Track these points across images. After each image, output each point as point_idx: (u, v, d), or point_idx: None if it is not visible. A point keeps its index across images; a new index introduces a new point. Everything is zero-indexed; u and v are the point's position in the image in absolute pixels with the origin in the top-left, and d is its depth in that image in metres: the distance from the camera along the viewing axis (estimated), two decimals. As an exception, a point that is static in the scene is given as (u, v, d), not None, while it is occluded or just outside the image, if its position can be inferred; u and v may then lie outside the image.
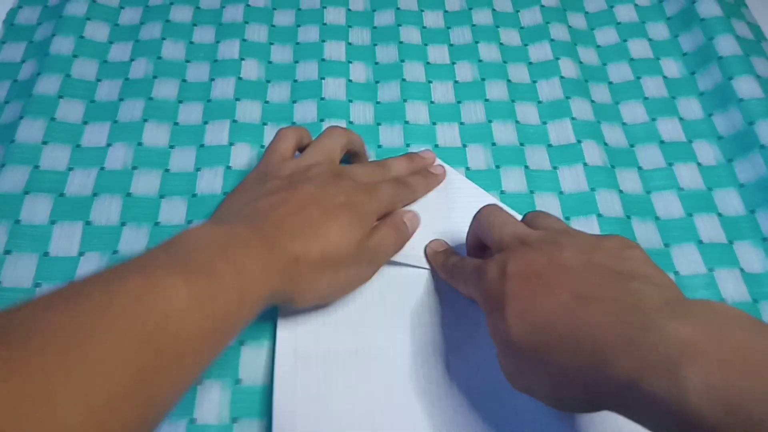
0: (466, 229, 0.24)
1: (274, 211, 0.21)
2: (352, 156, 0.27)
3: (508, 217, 0.21)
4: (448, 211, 0.27)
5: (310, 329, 0.23)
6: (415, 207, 0.27)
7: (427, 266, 0.25)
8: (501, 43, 0.34)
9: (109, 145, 0.29)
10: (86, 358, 0.13)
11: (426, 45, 0.34)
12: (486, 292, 0.19)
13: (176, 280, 0.16)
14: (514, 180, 0.29)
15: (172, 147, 0.29)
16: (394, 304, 0.24)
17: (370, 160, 0.28)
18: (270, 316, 0.24)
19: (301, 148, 0.26)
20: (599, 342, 0.15)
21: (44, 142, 0.28)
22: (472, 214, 0.24)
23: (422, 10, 0.35)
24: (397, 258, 0.25)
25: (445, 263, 0.24)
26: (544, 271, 0.17)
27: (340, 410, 0.22)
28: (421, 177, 0.27)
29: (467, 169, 0.29)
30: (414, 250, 0.26)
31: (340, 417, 0.21)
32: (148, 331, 0.14)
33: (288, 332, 0.23)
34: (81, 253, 0.25)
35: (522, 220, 0.22)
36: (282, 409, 0.21)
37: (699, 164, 0.29)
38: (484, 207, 0.22)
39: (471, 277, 0.20)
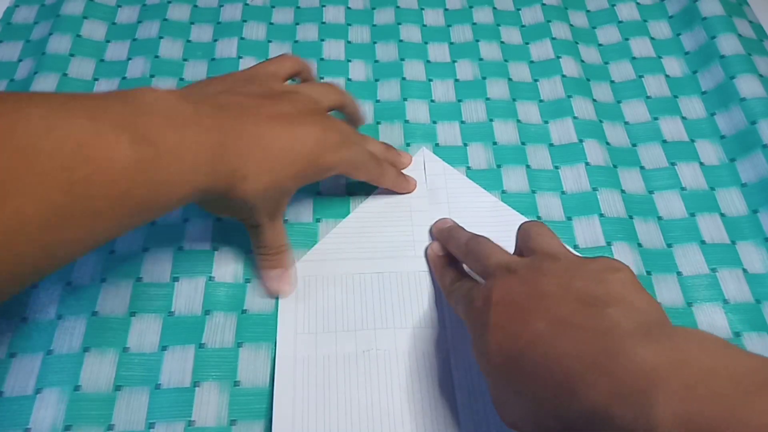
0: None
1: (245, 111, 0.20)
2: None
3: (495, 247, 0.21)
4: (448, 212, 0.27)
5: (309, 335, 0.23)
6: (414, 207, 0.27)
7: (426, 268, 0.25)
8: (502, 42, 0.34)
9: (106, 144, 0.29)
10: (12, 180, 0.13)
11: (426, 43, 0.34)
12: (472, 320, 0.19)
13: (123, 139, 0.15)
14: (515, 179, 0.28)
15: (170, 146, 0.29)
16: (393, 306, 0.24)
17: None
18: (268, 321, 0.24)
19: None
20: (570, 371, 0.15)
21: (41, 142, 0.28)
22: (473, 215, 0.24)
23: (422, 9, 0.35)
24: (396, 258, 0.25)
25: (442, 278, 0.23)
26: (524, 300, 0.17)
27: (340, 414, 0.21)
28: (394, 170, 0.26)
29: (468, 168, 0.29)
30: (414, 250, 0.25)
31: (339, 420, 0.21)
32: (76, 178, 0.14)
33: (288, 337, 0.23)
34: (78, 254, 0.25)
35: (517, 235, 0.21)
36: (282, 413, 0.21)
37: (701, 164, 0.29)
38: (472, 238, 0.22)
39: (461, 302, 0.21)
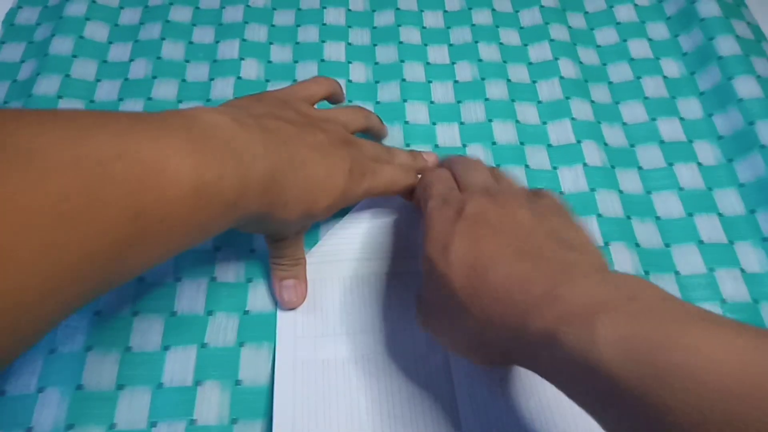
0: None
1: (289, 139, 0.20)
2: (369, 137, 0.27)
3: (481, 166, 0.23)
4: None
5: (308, 340, 0.23)
6: (412, 209, 0.27)
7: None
8: (501, 43, 0.34)
9: (108, 145, 0.29)
10: (83, 209, 0.13)
11: (426, 45, 0.34)
12: (435, 221, 0.19)
13: (187, 164, 0.15)
14: (514, 179, 0.28)
15: (171, 147, 0.29)
16: (393, 309, 0.24)
17: None
18: (270, 320, 0.24)
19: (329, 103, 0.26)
20: (527, 294, 0.16)
21: (43, 142, 0.28)
22: None
23: (422, 11, 0.35)
24: (394, 260, 0.25)
25: (423, 177, 0.24)
26: (497, 221, 0.18)
27: (340, 418, 0.21)
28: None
29: (467, 169, 0.29)
30: (412, 252, 0.26)
31: (340, 425, 0.21)
32: (142, 207, 0.14)
33: (287, 340, 0.23)
34: (80, 253, 0.25)
35: (456, 167, 0.23)
36: (282, 417, 0.21)
37: (699, 164, 0.29)
38: (458, 156, 0.23)
39: (433, 199, 0.21)
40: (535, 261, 0.17)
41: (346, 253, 0.26)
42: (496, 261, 0.17)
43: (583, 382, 0.14)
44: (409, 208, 0.27)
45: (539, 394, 0.22)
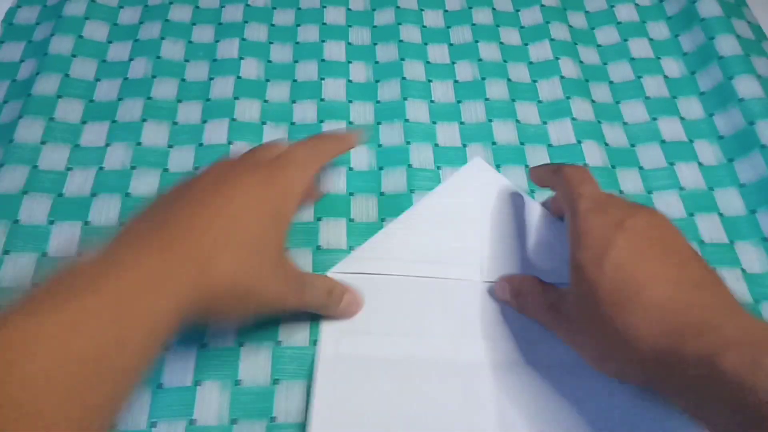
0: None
1: (178, 209, 0.18)
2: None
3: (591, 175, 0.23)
4: (498, 222, 0.26)
5: (352, 334, 0.23)
6: (465, 216, 0.26)
7: (476, 278, 0.25)
8: (501, 43, 0.34)
9: (108, 144, 0.29)
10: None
11: (426, 44, 0.34)
12: (593, 230, 0.19)
13: (36, 326, 0.14)
14: (514, 179, 0.28)
15: (171, 146, 0.29)
16: (439, 315, 0.24)
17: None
18: (271, 321, 0.24)
19: None
20: (687, 318, 0.16)
21: (43, 142, 0.28)
22: (521, 225, 0.25)
23: (422, 9, 0.35)
24: (443, 264, 0.25)
25: (553, 170, 0.23)
26: (663, 241, 0.19)
27: (377, 418, 0.21)
28: (332, 138, 0.25)
29: (467, 168, 0.29)
30: (461, 258, 0.25)
31: (376, 424, 0.21)
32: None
33: (331, 334, 0.23)
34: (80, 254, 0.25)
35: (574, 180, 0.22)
36: (321, 410, 0.21)
37: (700, 164, 0.29)
38: (573, 166, 0.23)
39: (588, 204, 0.20)
40: (696, 289, 0.17)
41: (394, 252, 0.25)
42: (657, 282, 0.17)
43: (732, 406, 0.15)
44: (464, 214, 0.26)
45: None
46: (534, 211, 0.27)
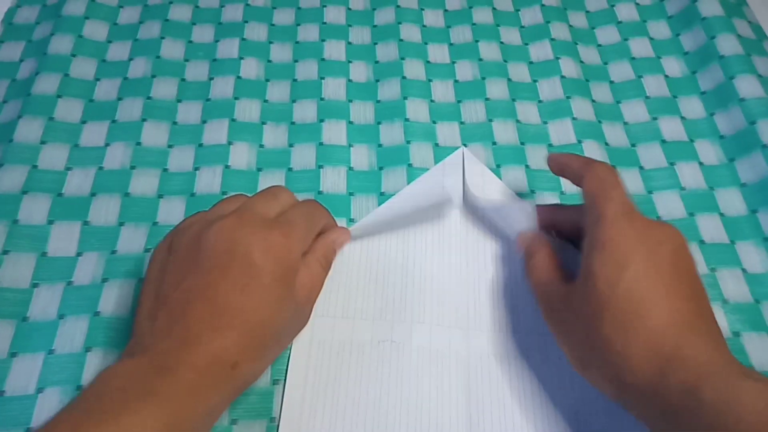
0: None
1: (179, 299, 0.18)
2: None
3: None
4: (482, 216, 0.26)
5: (327, 318, 0.24)
6: (447, 207, 0.26)
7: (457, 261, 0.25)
8: (501, 42, 0.34)
9: (107, 144, 0.29)
10: None
11: (426, 44, 0.34)
12: (618, 238, 0.19)
13: None
14: (514, 179, 0.28)
15: (170, 146, 0.29)
16: (414, 299, 0.24)
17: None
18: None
19: None
20: (678, 353, 0.17)
21: (42, 142, 0.28)
22: (506, 220, 0.25)
23: (422, 9, 0.35)
24: (422, 252, 0.25)
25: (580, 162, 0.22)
26: (682, 271, 0.19)
27: (348, 401, 0.22)
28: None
29: (468, 168, 0.29)
30: (441, 248, 0.26)
31: (347, 407, 0.22)
32: None
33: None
34: (79, 254, 0.25)
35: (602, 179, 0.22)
36: (293, 395, 0.22)
37: (701, 164, 0.29)
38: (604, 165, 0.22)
39: (613, 204, 0.20)
40: (694, 323, 0.18)
41: (374, 239, 0.26)
42: (662, 309, 0.18)
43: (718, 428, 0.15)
44: (444, 203, 0.26)
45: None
46: (521, 209, 0.27)
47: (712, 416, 0.15)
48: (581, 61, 0.33)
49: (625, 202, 0.20)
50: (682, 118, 0.31)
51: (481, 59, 0.33)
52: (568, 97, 0.31)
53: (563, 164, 0.23)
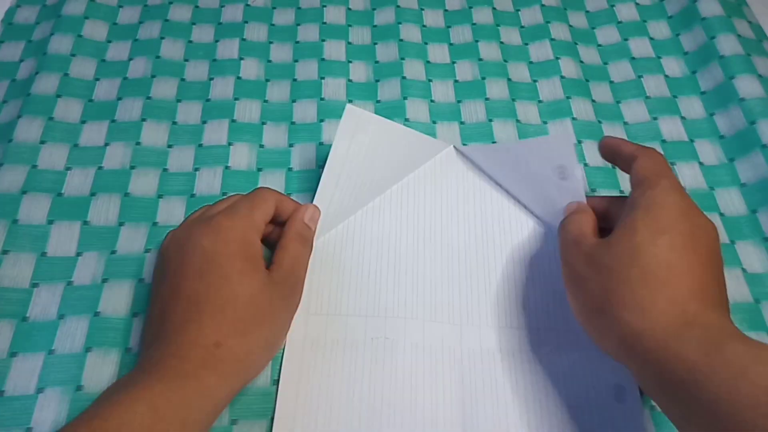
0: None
1: (158, 310, 0.21)
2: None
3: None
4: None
5: (320, 316, 0.24)
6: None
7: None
8: (501, 42, 0.34)
9: (107, 144, 0.29)
10: None
11: (426, 44, 0.34)
12: (667, 210, 0.19)
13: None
14: (514, 179, 0.28)
15: (170, 146, 0.29)
16: (406, 297, 0.24)
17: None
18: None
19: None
20: (695, 328, 0.17)
21: (42, 142, 0.28)
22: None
23: (422, 9, 0.35)
24: (413, 248, 0.25)
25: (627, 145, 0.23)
26: (715, 255, 0.20)
27: (342, 398, 0.22)
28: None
29: (467, 168, 0.29)
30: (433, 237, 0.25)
31: (342, 405, 0.22)
32: None
33: (299, 318, 0.23)
34: (79, 253, 0.25)
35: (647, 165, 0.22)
36: (287, 391, 0.22)
37: (701, 163, 0.29)
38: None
39: (666, 180, 0.20)
40: (714, 305, 0.18)
41: (366, 234, 0.26)
42: (693, 279, 0.18)
43: (714, 412, 0.16)
44: (443, 196, 0.27)
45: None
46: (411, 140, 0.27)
47: (728, 378, 0.15)
48: (581, 61, 0.33)
49: (678, 183, 0.21)
50: (682, 118, 0.31)
51: (481, 59, 0.33)
52: (568, 97, 0.31)
53: (615, 147, 0.24)
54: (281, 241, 0.23)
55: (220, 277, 0.20)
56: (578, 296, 0.21)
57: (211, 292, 0.20)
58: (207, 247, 0.20)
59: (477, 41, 0.34)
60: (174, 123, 0.30)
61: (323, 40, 0.33)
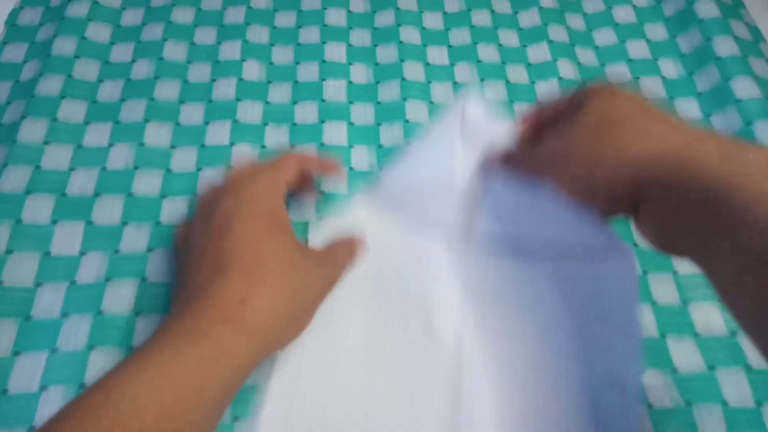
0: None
1: (191, 266, 0.20)
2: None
3: None
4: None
5: (318, 326, 0.23)
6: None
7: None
8: (500, 44, 0.34)
9: (110, 145, 0.29)
10: None
11: (426, 46, 0.34)
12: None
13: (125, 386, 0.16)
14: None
15: (173, 147, 0.29)
16: (404, 305, 0.24)
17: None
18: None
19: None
20: (697, 138, 0.17)
21: (46, 143, 0.28)
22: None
23: (422, 11, 0.36)
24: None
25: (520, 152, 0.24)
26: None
27: (338, 406, 0.22)
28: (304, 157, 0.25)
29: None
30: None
31: (337, 411, 0.22)
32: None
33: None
34: (82, 253, 0.26)
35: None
36: (278, 401, 0.22)
37: (697, 164, 0.30)
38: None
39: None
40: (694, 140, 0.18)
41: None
42: (667, 124, 0.18)
43: (736, 236, 0.15)
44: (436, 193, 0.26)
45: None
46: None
47: (759, 179, 0.15)
48: (579, 63, 0.34)
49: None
50: (679, 119, 0.31)
51: (479, 61, 0.33)
52: (566, 99, 0.31)
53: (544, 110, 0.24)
54: (334, 242, 0.23)
55: (246, 235, 0.19)
56: (564, 176, 0.21)
57: (237, 248, 0.19)
58: (230, 208, 0.20)
59: (476, 43, 0.34)
60: (177, 124, 0.30)
61: (324, 42, 0.34)
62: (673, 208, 0.17)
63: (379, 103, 0.32)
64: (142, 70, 0.32)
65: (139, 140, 0.29)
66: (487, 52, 0.34)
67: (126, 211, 0.27)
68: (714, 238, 0.16)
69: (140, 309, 0.24)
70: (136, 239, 0.26)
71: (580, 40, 0.35)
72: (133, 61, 0.32)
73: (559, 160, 0.21)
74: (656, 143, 0.18)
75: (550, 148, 0.22)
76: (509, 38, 0.35)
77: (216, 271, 0.19)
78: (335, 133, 0.30)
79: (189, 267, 0.20)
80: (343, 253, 0.23)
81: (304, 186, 0.25)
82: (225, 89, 0.31)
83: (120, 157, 0.28)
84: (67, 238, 0.26)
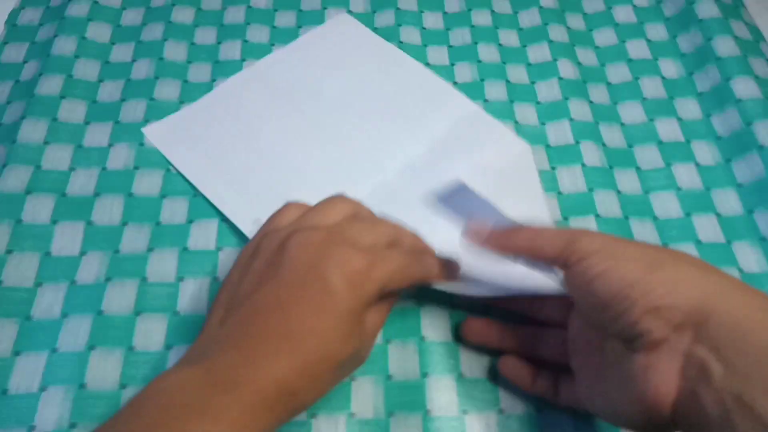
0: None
1: (252, 308, 0.17)
2: None
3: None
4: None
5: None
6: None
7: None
8: (500, 44, 0.34)
9: (111, 145, 0.29)
10: None
11: (426, 46, 0.34)
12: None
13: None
14: (513, 180, 0.29)
15: (173, 147, 0.29)
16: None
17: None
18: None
19: None
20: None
21: (46, 143, 0.28)
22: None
23: (422, 11, 0.36)
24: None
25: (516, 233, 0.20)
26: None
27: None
28: (437, 260, 0.21)
29: (467, 169, 0.29)
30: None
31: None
32: None
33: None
34: (83, 253, 0.26)
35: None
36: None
37: (697, 164, 0.29)
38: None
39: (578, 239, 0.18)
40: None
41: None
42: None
43: None
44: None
45: None
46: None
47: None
48: (579, 63, 0.34)
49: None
50: (679, 119, 0.31)
51: (480, 61, 0.33)
52: (565, 99, 0.31)
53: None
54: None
55: (331, 327, 0.17)
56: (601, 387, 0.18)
57: (316, 336, 0.17)
58: (335, 287, 0.17)
59: (476, 43, 0.34)
60: (176, 124, 0.30)
61: (324, 42, 0.34)
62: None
63: (378, 103, 0.32)
64: (142, 70, 0.32)
65: (139, 140, 0.29)
66: (487, 52, 0.34)
67: (126, 211, 0.27)
68: None
69: (141, 309, 0.24)
70: (136, 239, 0.26)
71: (580, 40, 0.35)
72: (133, 61, 0.32)
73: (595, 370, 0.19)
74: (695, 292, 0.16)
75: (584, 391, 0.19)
76: (509, 38, 0.35)
77: (284, 346, 0.17)
78: (335, 133, 0.30)
79: (255, 312, 0.17)
80: (382, 320, 0.20)
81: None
82: (225, 89, 0.31)
83: (120, 157, 0.28)
84: (67, 238, 0.26)
